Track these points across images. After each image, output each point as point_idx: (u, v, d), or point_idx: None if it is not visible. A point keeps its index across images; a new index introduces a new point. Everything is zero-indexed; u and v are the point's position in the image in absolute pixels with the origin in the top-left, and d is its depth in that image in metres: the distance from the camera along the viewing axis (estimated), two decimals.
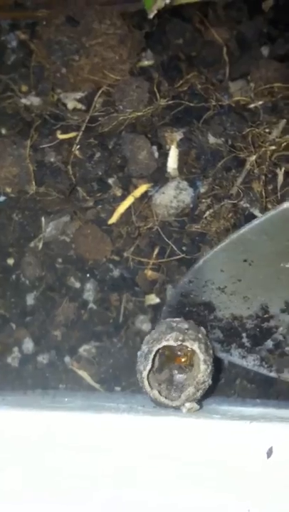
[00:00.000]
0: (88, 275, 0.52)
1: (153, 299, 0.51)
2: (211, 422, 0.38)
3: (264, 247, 0.42)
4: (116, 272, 0.51)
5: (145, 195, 0.50)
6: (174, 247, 0.49)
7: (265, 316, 0.46)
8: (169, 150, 0.50)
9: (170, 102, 0.49)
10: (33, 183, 0.51)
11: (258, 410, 0.44)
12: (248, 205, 0.47)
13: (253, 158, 0.46)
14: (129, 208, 0.50)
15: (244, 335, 0.46)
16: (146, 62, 0.51)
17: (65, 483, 0.37)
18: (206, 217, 0.48)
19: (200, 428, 0.38)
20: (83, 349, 0.51)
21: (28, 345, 0.52)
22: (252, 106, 0.48)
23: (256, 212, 0.48)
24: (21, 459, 0.37)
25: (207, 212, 0.48)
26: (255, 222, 0.41)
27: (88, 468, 0.37)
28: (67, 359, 0.51)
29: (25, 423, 0.37)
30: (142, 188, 0.50)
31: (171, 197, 0.49)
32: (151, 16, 0.47)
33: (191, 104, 0.49)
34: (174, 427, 0.38)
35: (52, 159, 0.51)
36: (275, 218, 0.41)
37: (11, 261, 0.54)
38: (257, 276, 0.44)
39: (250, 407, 0.45)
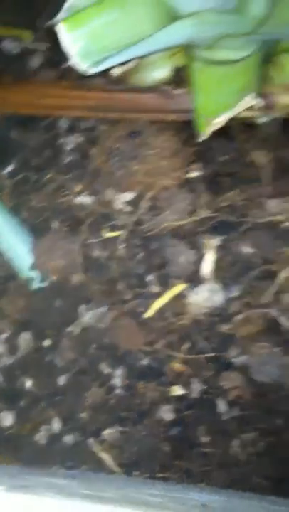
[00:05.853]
0: (119, 362, 0.55)
1: (177, 391, 0.54)
2: None
3: None
4: (145, 361, 0.55)
5: (180, 294, 0.54)
6: (202, 344, 0.53)
7: None
8: (205, 255, 0.55)
9: (211, 215, 0.55)
10: (78, 274, 0.56)
11: None
12: (278, 314, 0.52)
13: (286, 275, 0.51)
14: (164, 305, 0.55)
15: None
16: (193, 174, 0.56)
17: None
18: (235, 321, 0.53)
19: None
20: (107, 432, 0.54)
21: (56, 425, 0.55)
22: (288, 225, 0.53)
23: (284, 321, 0.52)
24: None
25: (237, 316, 0.53)
26: None
27: None
28: (90, 441, 0.54)
29: None
30: (179, 288, 0.54)
31: (205, 298, 0.54)
32: (201, 139, 0.54)
33: (230, 219, 0.55)
34: None
35: (97, 254, 0.56)
36: None
37: (47, 343, 0.57)
38: None
39: None
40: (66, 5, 0.45)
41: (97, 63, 0.45)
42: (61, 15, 0.45)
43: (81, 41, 0.45)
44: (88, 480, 0.48)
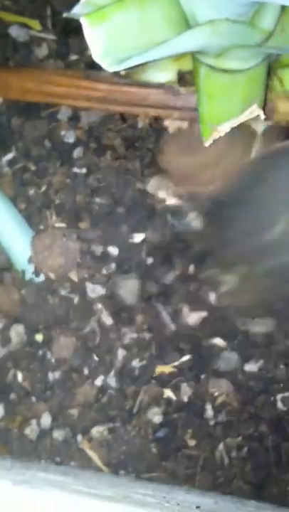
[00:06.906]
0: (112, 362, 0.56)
1: (167, 394, 0.55)
2: None
3: None
4: (138, 364, 0.56)
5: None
6: (193, 351, 0.55)
7: None
8: None
9: None
10: (76, 272, 0.57)
11: None
12: None
13: None
14: None
15: None
16: None
17: None
18: None
19: None
20: (96, 430, 0.56)
21: (46, 420, 0.56)
22: None
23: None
24: None
25: None
26: None
27: None
28: (79, 438, 0.56)
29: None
30: None
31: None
32: (206, 144, 0.54)
33: None
34: None
35: (96, 248, 0.57)
36: None
37: (40, 337, 0.58)
38: None
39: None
40: None
41: (117, 62, 0.45)
42: (78, 8, 0.45)
43: (102, 38, 0.45)
44: (81, 477, 0.49)
